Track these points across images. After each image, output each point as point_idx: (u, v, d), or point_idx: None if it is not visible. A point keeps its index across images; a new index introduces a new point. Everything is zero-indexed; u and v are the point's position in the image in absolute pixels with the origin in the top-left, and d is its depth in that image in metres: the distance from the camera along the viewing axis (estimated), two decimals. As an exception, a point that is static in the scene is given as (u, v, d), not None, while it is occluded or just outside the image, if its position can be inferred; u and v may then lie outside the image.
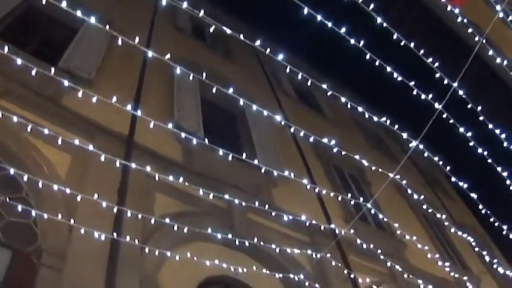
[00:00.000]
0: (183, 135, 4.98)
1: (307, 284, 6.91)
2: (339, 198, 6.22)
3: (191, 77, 4.91)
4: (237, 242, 5.98)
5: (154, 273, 5.93)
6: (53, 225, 5.06)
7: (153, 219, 5.34)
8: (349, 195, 6.78)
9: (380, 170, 5.61)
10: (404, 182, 6.02)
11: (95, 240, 4.73)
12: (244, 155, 4.95)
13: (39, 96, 6.65)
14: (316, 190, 6.30)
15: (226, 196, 5.49)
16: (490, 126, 6.09)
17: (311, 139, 4.88)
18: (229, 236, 5.84)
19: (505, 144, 6.37)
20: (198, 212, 7.12)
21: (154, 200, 6.74)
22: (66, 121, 6.62)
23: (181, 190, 6.92)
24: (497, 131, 6.21)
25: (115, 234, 5.10)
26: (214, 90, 4.52)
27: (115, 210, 5.07)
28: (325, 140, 4.96)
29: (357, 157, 5.32)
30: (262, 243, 6.15)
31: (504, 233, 7.82)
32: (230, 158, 5.15)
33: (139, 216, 5.13)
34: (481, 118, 6.03)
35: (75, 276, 4.99)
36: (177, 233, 6.02)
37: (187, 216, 6.35)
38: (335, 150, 5.17)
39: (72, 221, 4.78)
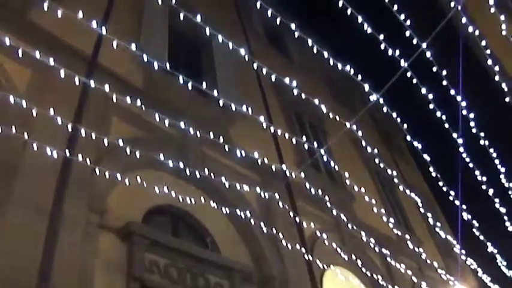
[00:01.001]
0: (145, 57, 5.06)
1: (252, 221, 7.33)
2: (293, 141, 6.49)
3: (160, 1, 4.99)
4: (187, 172, 6.21)
5: (103, 196, 6.21)
6: (6, 139, 5.14)
7: (106, 140, 5.42)
8: (305, 139, 7.03)
9: (338, 117, 5.88)
10: (360, 133, 6.32)
11: (47, 157, 4.83)
12: (204, 84, 5.08)
13: (5, 8, 6.57)
14: (272, 129, 6.53)
15: (182, 124, 5.65)
16: (452, 92, 6.35)
17: (273, 77, 5.03)
18: (181, 164, 6.04)
19: (464, 112, 6.68)
20: (153, 139, 7.39)
21: (111, 123, 6.95)
22: (30, 35, 6.59)
23: (138, 116, 7.16)
24: (459, 98, 6.50)
25: (68, 152, 5.21)
26: (181, 17, 4.61)
27: (70, 128, 5.12)
28: (286, 80, 5.14)
29: (316, 101, 5.54)
30: (213, 176, 6.41)
31: (451, 198, 8.30)
32: (190, 87, 5.30)
33: (94, 136, 5.25)
34: (444, 83, 6.29)
35: (25, 192, 5.18)
36: (130, 159, 6.24)
37: (142, 143, 6.55)
38: (295, 92, 5.37)
39: (26, 135, 4.86)
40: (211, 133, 6.14)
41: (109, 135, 6.42)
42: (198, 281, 6.70)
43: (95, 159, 5.85)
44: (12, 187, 5.12)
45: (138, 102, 5.52)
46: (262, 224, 7.36)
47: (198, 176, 6.31)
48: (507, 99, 7.09)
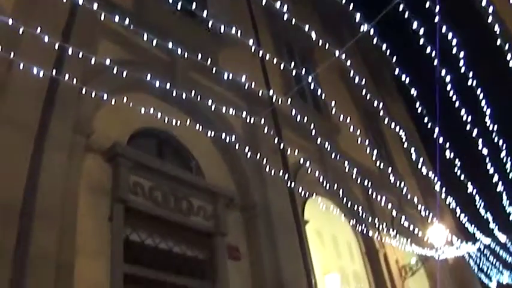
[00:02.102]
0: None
1: (237, 147, 7.66)
2: (281, 67, 6.66)
3: None
4: (174, 93, 6.40)
5: (89, 117, 6.39)
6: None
7: (94, 59, 5.52)
8: (293, 65, 7.21)
9: (327, 45, 6.04)
10: (348, 62, 6.51)
11: (34, 77, 4.91)
12: (194, 5, 5.16)
13: None
14: (260, 53, 6.70)
15: (170, 45, 5.80)
16: (444, 28, 6.37)
17: (264, 1, 5.10)
18: (168, 86, 6.23)
19: (455, 50, 6.81)
20: (141, 62, 7.53)
21: (98, 44, 7.04)
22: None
23: (127, 38, 7.28)
24: (450, 35, 6.60)
25: (54, 72, 5.31)
26: None
27: (57, 47, 5.18)
28: (277, 4, 5.24)
29: (306, 28, 5.69)
30: (199, 98, 6.63)
31: (435, 136, 8.58)
32: (179, 7, 5.38)
33: (81, 55, 5.32)
34: (436, 19, 6.37)
35: (11, 112, 5.29)
36: (116, 81, 6.45)
37: (130, 65, 6.66)
38: (286, 17, 5.50)
39: (12, 55, 4.92)
40: (199, 56, 6.30)
41: (96, 56, 6.53)
42: (181, 204, 7.05)
43: (82, 80, 5.92)
44: None
45: (126, 22, 5.63)
46: (246, 149, 7.69)
47: (184, 98, 6.49)
48: (499, 42, 7.20)
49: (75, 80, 5.46)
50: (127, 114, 6.77)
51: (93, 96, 5.71)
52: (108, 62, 5.57)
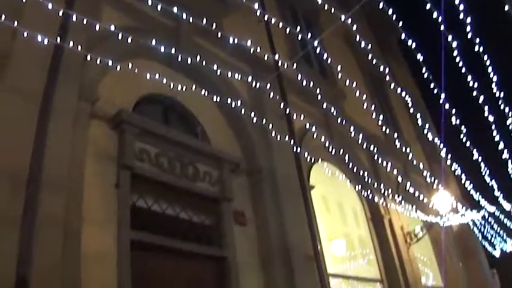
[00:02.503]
0: None
1: (242, 112, 7.73)
2: (287, 31, 6.66)
3: None
4: (179, 59, 6.41)
5: (94, 85, 6.41)
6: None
7: (98, 25, 5.53)
8: (299, 30, 7.20)
9: (333, 9, 6.05)
10: (354, 27, 6.53)
11: (38, 44, 4.91)
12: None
13: None
14: (266, 17, 6.70)
15: (175, 10, 5.81)
16: None
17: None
18: (173, 51, 6.26)
19: (462, 15, 6.78)
20: (145, 28, 7.53)
21: (102, 11, 7.03)
22: None
23: (131, 4, 7.36)
24: (457, 0, 6.52)
25: (59, 39, 5.31)
26: None
27: (61, 14, 5.21)
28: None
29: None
30: (204, 63, 6.67)
31: (441, 101, 8.62)
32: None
33: (85, 22, 5.32)
34: None
35: (15, 80, 5.28)
36: (122, 47, 6.50)
37: (134, 31, 6.64)
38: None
39: (15, 23, 4.91)
40: (203, 21, 6.31)
41: (100, 23, 6.53)
42: (187, 170, 7.15)
43: (86, 47, 5.93)
44: (2, 76, 5.21)
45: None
46: (252, 114, 7.76)
47: (189, 64, 6.53)
48: (507, 7, 7.15)
49: (79, 47, 5.45)
50: (132, 80, 6.82)
51: (98, 63, 5.71)
52: (112, 28, 5.60)
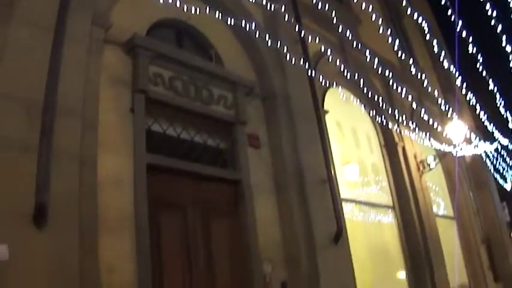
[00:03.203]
0: None
1: (257, 35, 7.70)
2: None
3: None
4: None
5: (107, 10, 6.39)
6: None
7: None
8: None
9: None
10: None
11: None
12: None
13: None
14: None
15: None
16: None
17: None
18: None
19: None
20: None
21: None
22: None
23: None
24: None
25: None
26: None
27: None
28: None
29: None
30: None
31: (457, 29, 8.47)
32: None
33: None
34: None
35: (27, 9, 5.24)
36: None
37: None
38: None
39: None
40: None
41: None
42: (201, 93, 7.22)
43: None
44: (14, 5, 5.17)
45: None
46: (266, 38, 7.73)
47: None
48: None
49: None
50: (145, 5, 6.83)
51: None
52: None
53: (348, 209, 9.50)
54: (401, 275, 10.90)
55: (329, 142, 8.64)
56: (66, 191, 4.80)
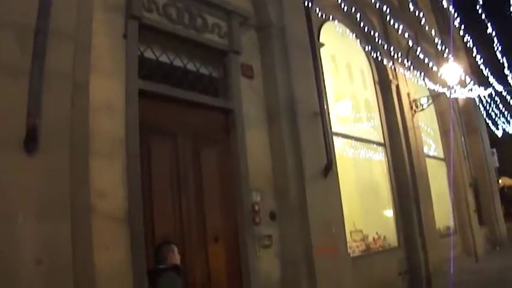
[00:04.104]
0: None
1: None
2: None
3: None
4: None
5: None
6: None
7: None
8: None
9: None
10: None
11: None
12: None
13: None
14: None
15: None
16: None
17: None
18: None
19: None
20: None
21: None
22: None
23: None
24: None
25: None
26: None
27: None
28: None
29: None
30: None
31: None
32: None
33: None
34: None
35: None
36: None
37: None
38: None
39: None
40: None
41: None
42: (196, 21, 7.09)
43: None
44: None
45: None
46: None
47: None
48: None
49: None
50: None
51: None
52: None
53: (338, 145, 9.61)
54: (389, 212, 11.16)
55: (323, 75, 8.61)
56: (57, 115, 4.79)
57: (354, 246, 9.49)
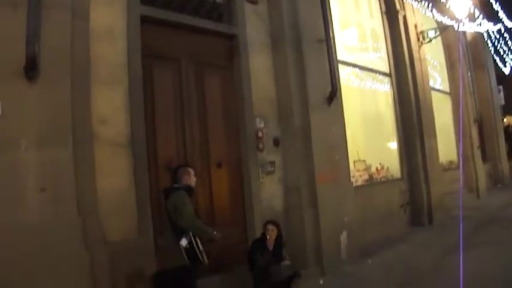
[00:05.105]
0: None
1: None
2: None
3: None
4: None
5: None
6: None
7: None
8: None
9: None
10: None
11: None
12: None
13: None
14: None
15: None
16: None
17: None
18: None
19: None
20: None
21: None
22: None
23: None
24: None
25: None
26: None
27: None
28: None
29: None
30: None
31: None
32: None
33: None
34: None
35: None
36: None
37: None
38: None
39: None
40: None
41: None
42: None
43: None
44: None
45: None
46: None
47: None
48: None
49: None
50: None
51: None
52: None
53: (344, 75, 9.49)
54: (393, 143, 11.15)
55: (329, 3, 8.37)
56: (57, 43, 4.74)
57: (357, 176, 9.54)
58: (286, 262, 6.21)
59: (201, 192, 6.39)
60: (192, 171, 5.01)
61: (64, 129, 4.71)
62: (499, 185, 18.10)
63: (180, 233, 4.56)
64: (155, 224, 5.58)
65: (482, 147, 17.70)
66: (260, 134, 7.20)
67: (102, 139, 5.27)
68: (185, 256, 4.51)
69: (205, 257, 4.66)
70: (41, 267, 4.29)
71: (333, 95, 7.81)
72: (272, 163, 7.34)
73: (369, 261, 7.91)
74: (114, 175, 5.35)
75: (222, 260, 6.36)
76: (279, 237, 6.23)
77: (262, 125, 7.29)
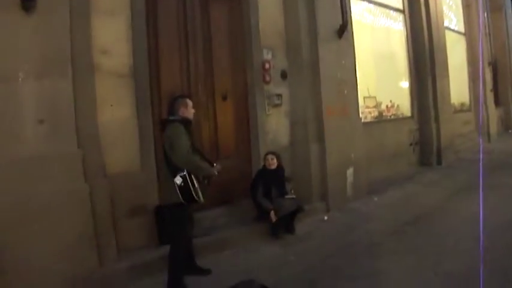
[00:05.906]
0: None
1: None
2: None
3: None
4: None
5: None
6: None
7: None
8: None
9: None
10: None
11: None
12: None
13: None
14: None
15: None
16: None
17: None
18: None
19: None
20: None
21: None
22: None
23: None
24: None
25: None
26: None
27: None
28: None
29: None
30: None
31: None
32: None
33: None
34: None
35: None
36: None
37: None
38: None
39: None
40: None
41: None
42: None
43: None
44: None
45: None
46: None
47: None
48: None
49: None
50: None
51: None
52: None
53: (357, 10, 9.13)
54: (404, 82, 10.90)
55: None
56: None
57: (367, 112, 9.36)
58: (290, 196, 6.18)
59: (205, 125, 6.29)
60: (190, 102, 4.68)
61: (63, 59, 4.56)
62: (510, 131, 17.81)
63: (175, 170, 4.32)
64: (158, 158, 5.41)
65: (495, 91, 17.34)
66: (267, 66, 6.97)
67: (104, 70, 5.12)
68: (179, 194, 4.29)
69: (200, 195, 4.40)
70: (40, 201, 4.22)
71: (344, 27, 7.52)
72: (279, 96, 7.15)
73: (375, 199, 7.84)
74: (116, 106, 5.22)
75: (226, 192, 6.33)
76: (280, 169, 6.17)
77: (269, 56, 7.06)
